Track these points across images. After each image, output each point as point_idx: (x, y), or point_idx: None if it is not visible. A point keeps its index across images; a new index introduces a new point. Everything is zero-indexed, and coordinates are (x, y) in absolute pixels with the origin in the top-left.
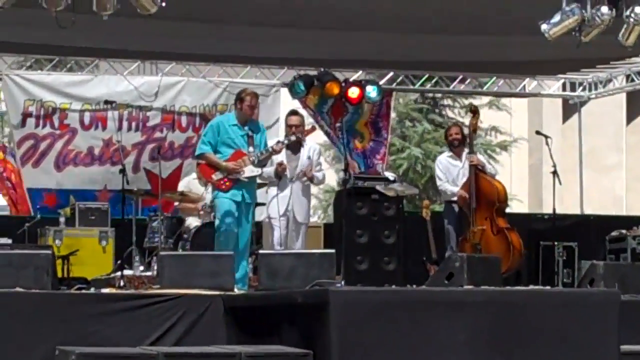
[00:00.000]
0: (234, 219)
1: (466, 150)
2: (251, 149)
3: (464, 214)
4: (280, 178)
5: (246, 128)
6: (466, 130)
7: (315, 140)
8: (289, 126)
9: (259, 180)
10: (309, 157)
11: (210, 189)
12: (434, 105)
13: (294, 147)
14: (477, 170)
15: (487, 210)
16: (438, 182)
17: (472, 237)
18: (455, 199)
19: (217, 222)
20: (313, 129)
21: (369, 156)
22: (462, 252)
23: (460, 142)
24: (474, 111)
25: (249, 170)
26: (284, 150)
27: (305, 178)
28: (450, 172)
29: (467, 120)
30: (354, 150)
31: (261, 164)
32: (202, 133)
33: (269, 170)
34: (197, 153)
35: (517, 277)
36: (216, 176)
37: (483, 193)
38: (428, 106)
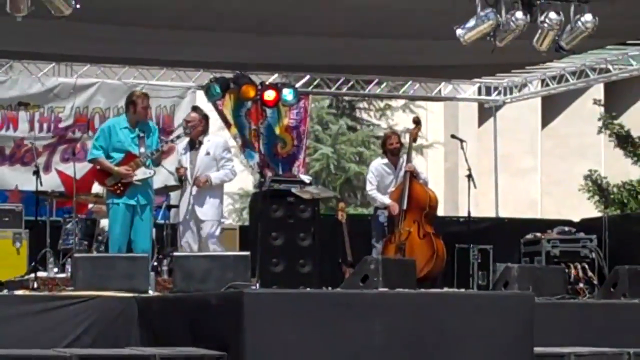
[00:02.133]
0: (125, 227)
1: (402, 158)
2: (142, 149)
3: (391, 219)
4: (182, 181)
5: (137, 130)
6: (405, 139)
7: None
8: (185, 121)
9: (173, 183)
10: (207, 153)
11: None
12: (349, 109)
13: (194, 145)
14: (411, 177)
15: (417, 214)
16: (368, 188)
17: (397, 238)
18: (384, 208)
19: (110, 228)
20: (201, 124)
21: (292, 161)
22: (384, 253)
23: (399, 150)
24: (417, 122)
25: (141, 173)
26: (186, 152)
27: (197, 187)
28: (383, 180)
29: (382, 124)
30: (276, 156)
31: (155, 163)
32: (93, 137)
33: (176, 175)
34: (89, 158)
35: (433, 280)
36: (109, 182)
37: (415, 197)
38: (339, 111)
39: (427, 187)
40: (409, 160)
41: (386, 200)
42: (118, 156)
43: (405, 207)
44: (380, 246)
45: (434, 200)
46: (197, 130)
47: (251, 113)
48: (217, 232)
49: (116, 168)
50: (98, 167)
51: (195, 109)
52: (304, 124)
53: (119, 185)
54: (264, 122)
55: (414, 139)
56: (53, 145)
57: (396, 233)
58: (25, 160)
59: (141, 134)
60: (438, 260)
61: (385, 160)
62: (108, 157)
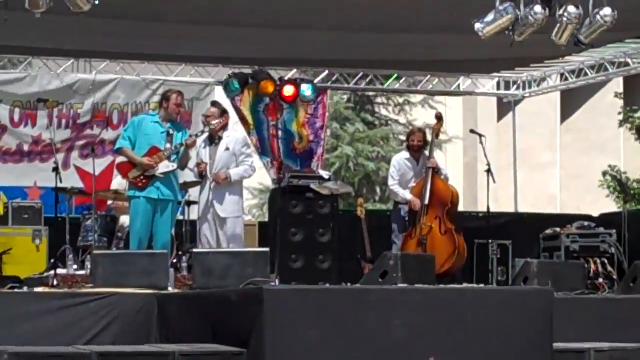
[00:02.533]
0: (146, 221)
1: (424, 153)
2: (168, 145)
3: (413, 214)
4: (202, 177)
5: (167, 125)
6: (429, 136)
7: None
8: (204, 116)
9: (192, 179)
10: (227, 149)
11: None
12: (367, 103)
13: (213, 140)
14: (433, 172)
15: (439, 210)
16: (390, 182)
17: (419, 232)
18: (404, 202)
19: (131, 222)
20: (225, 120)
21: (307, 157)
22: (405, 248)
23: (422, 147)
24: (439, 117)
25: (164, 166)
26: (206, 147)
27: (217, 184)
28: (405, 175)
29: (401, 118)
30: (293, 151)
31: (180, 161)
32: (123, 128)
33: (197, 171)
34: (116, 147)
35: (452, 276)
36: (132, 174)
37: (437, 193)
38: (357, 105)
39: (449, 183)
40: (430, 156)
41: (407, 195)
42: (143, 150)
43: (427, 202)
44: (400, 241)
45: (456, 197)
46: (219, 125)
47: (269, 109)
48: (239, 231)
49: (139, 158)
50: (122, 157)
51: (214, 103)
52: (322, 119)
53: (142, 177)
54: (281, 118)
55: (436, 134)
56: (71, 141)
57: (417, 228)
58: (43, 156)
59: (170, 131)
60: (459, 257)
61: (407, 155)
62: (134, 148)
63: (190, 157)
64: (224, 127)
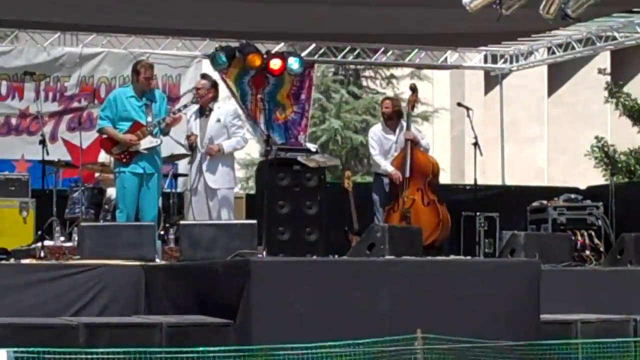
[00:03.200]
0: (132, 195)
1: (402, 123)
2: (149, 119)
3: (393, 186)
4: (192, 149)
5: (144, 99)
6: (403, 105)
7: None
8: (195, 88)
9: (180, 152)
10: (218, 120)
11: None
12: (355, 77)
13: (204, 112)
14: (412, 144)
15: (420, 182)
16: (372, 152)
17: (401, 205)
18: (385, 174)
19: (118, 197)
20: (211, 92)
21: (290, 127)
22: (388, 221)
23: (391, 116)
24: (413, 89)
25: (148, 142)
26: (196, 119)
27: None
28: (383, 145)
29: (388, 92)
30: (275, 121)
31: (164, 132)
32: (100, 108)
33: (187, 143)
34: (97, 129)
35: (439, 247)
36: (115, 150)
37: (417, 165)
38: (345, 78)
39: (429, 155)
40: (408, 128)
41: (389, 167)
42: (125, 125)
43: (408, 175)
44: (381, 214)
45: (437, 168)
46: (207, 97)
47: (254, 80)
48: (230, 202)
49: (122, 136)
50: (105, 136)
51: (204, 76)
52: (307, 92)
53: (125, 154)
54: (266, 88)
55: (412, 106)
56: (59, 115)
57: (400, 201)
58: (31, 129)
59: (148, 103)
60: (444, 228)
61: (383, 126)
62: (115, 127)
63: (169, 130)
64: (214, 98)
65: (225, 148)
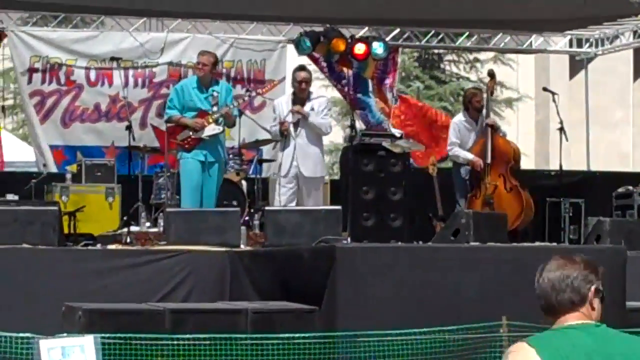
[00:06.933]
0: (197, 178)
1: (482, 113)
2: (215, 108)
3: (475, 173)
4: (284, 136)
5: (210, 90)
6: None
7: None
8: (298, 82)
9: (266, 137)
10: (312, 109)
11: None
12: (438, 61)
13: (300, 101)
14: (492, 130)
15: (502, 167)
16: (449, 147)
17: (484, 191)
18: (466, 163)
19: (181, 181)
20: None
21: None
22: (471, 208)
23: (480, 109)
24: (492, 75)
25: (210, 129)
26: (290, 106)
27: (300, 116)
28: (465, 137)
29: (472, 76)
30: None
31: (228, 124)
32: (167, 99)
33: (276, 129)
34: (165, 118)
35: (524, 234)
36: (180, 137)
37: (499, 151)
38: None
39: (509, 140)
40: (487, 114)
41: (469, 155)
42: (191, 115)
43: (489, 161)
44: (463, 202)
45: (517, 153)
46: (307, 89)
47: (340, 63)
48: (320, 190)
49: (189, 120)
50: (171, 124)
51: (303, 68)
52: (392, 75)
53: (188, 139)
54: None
55: (490, 92)
56: (148, 101)
57: (482, 187)
58: (121, 116)
59: (214, 94)
60: (527, 213)
61: (466, 117)
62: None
63: (234, 117)
64: (308, 93)
65: (313, 120)
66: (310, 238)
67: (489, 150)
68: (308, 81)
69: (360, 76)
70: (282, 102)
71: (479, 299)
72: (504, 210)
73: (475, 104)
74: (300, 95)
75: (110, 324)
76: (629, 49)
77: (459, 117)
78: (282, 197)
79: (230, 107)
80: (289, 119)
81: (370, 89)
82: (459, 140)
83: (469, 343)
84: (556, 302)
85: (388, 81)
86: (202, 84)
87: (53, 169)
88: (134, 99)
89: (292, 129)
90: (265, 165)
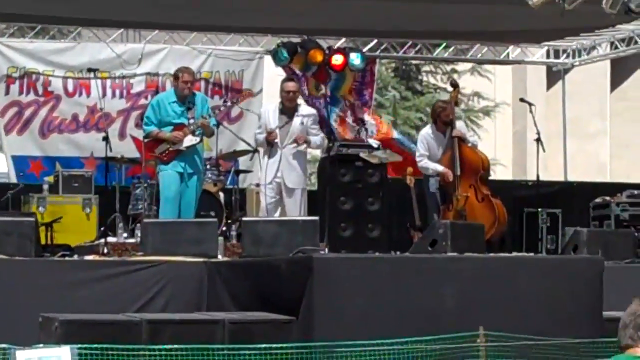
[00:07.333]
0: (175, 189)
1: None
2: (192, 120)
3: (445, 186)
4: (271, 145)
5: (185, 103)
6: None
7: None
8: (286, 92)
9: (243, 147)
10: (301, 123)
11: None
12: (416, 72)
13: (288, 112)
14: (459, 141)
15: (472, 178)
16: (419, 159)
17: (456, 203)
18: (435, 175)
19: (160, 193)
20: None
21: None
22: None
23: (449, 122)
24: (454, 85)
25: (188, 140)
26: (277, 116)
27: (296, 144)
28: (432, 149)
29: (449, 87)
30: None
31: (205, 133)
32: (144, 114)
33: (261, 137)
34: (144, 135)
35: (501, 244)
36: (158, 150)
37: (467, 161)
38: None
39: (477, 150)
40: (453, 125)
41: (439, 167)
42: (168, 129)
43: (458, 172)
44: (435, 217)
45: (487, 162)
46: (295, 99)
47: (316, 76)
48: (303, 201)
49: (167, 134)
50: (149, 139)
51: (291, 79)
52: (369, 86)
53: (166, 152)
54: (328, 84)
55: (455, 102)
56: (127, 111)
57: (454, 199)
58: (99, 126)
59: (190, 106)
60: (501, 222)
61: (434, 130)
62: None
63: (212, 128)
64: (296, 105)
65: (312, 141)
66: (288, 248)
67: (457, 161)
68: (296, 92)
69: (334, 96)
70: (269, 110)
71: (456, 309)
72: (478, 221)
73: (444, 117)
74: (289, 106)
75: (87, 335)
76: (606, 59)
77: (427, 130)
78: (261, 207)
79: (207, 118)
80: (276, 128)
81: (340, 107)
82: (428, 152)
83: (446, 353)
84: (620, 336)
85: (366, 92)
86: (179, 97)
87: (13, 179)
88: (112, 110)
89: (279, 139)
90: (242, 175)
